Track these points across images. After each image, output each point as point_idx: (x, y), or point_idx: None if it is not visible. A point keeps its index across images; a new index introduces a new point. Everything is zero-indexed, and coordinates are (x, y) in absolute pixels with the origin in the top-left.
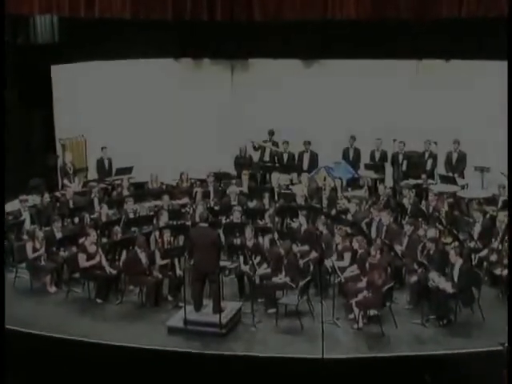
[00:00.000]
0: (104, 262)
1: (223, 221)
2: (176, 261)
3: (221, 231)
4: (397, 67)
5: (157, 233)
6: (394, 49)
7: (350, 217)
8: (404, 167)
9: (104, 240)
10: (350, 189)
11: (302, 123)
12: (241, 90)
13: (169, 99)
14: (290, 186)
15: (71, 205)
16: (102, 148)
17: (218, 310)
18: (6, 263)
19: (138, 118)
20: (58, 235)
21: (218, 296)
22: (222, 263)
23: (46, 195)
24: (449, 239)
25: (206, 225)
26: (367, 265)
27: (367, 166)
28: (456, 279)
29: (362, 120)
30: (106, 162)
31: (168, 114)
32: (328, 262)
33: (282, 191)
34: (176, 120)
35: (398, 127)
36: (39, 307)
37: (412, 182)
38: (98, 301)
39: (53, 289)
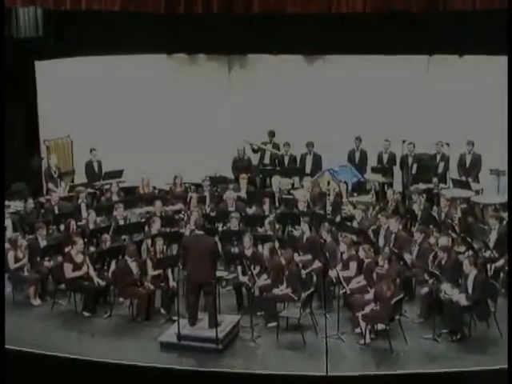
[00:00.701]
0: (92, 273)
1: (220, 228)
2: (169, 271)
3: (217, 239)
4: (406, 63)
5: (148, 241)
6: (403, 44)
7: (355, 224)
8: (414, 170)
9: (92, 249)
10: (355, 194)
11: (304, 123)
12: (239, 87)
13: (161, 97)
14: (292, 191)
15: (56, 211)
16: (91, 150)
17: (214, 323)
18: None
19: (129, 117)
20: (43, 243)
21: (215, 309)
22: (218, 273)
23: (30, 201)
24: (462, 248)
25: (201, 232)
26: (374, 275)
27: (374, 170)
28: (470, 291)
29: (368, 120)
30: (96, 165)
31: (160, 113)
32: (332, 273)
33: (283, 196)
34: (169, 120)
35: (408, 127)
36: (22, 321)
37: (422, 186)
38: (86, 314)
39: (37, 301)
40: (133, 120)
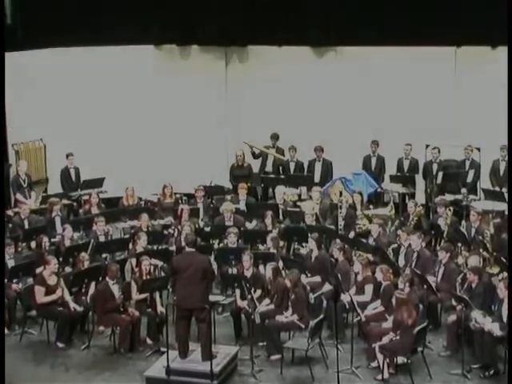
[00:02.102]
0: (67, 297)
1: (215, 245)
2: (157, 295)
3: (212, 258)
4: (430, 55)
5: (133, 260)
6: (426, 33)
7: (372, 241)
8: (439, 179)
9: (67, 269)
10: (372, 206)
11: (313, 125)
12: (238, 83)
13: (148, 95)
14: (298, 203)
15: (26, 225)
16: (68, 155)
17: (208, 356)
18: None
19: (111, 118)
20: (10, 263)
21: (209, 339)
22: (213, 298)
23: None
24: (495, 269)
25: (192, 250)
26: (394, 300)
27: (393, 178)
28: (505, 319)
29: (386, 121)
30: (73, 173)
31: (147, 113)
32: (345, 297)
33: (288, 209)
34: (157, 121)
35: (432, 130)
36: None
37: (449, 197)
38: (60, 345)
39: None
40: (116, 121)
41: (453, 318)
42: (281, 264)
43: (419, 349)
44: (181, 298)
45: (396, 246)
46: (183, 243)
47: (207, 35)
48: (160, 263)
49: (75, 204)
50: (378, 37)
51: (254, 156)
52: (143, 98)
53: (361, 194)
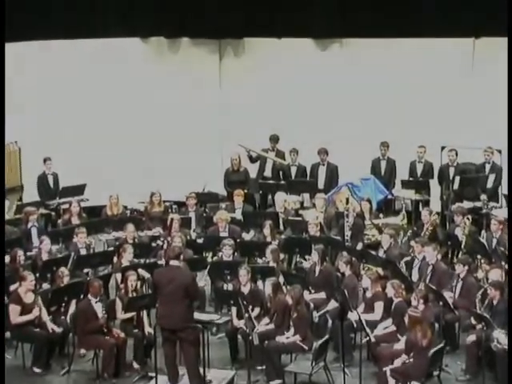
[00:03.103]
0: (45, 317)
1: (209, 259)
2: (144, 314)
3: (206, 272)
4: (445, 48)
5: (118, 275)
6: (441, 23)
7: (382, 253)
8: (456, 185)
9: (45, 286)
10: (382, 214)
11: (316, 125)
12: (233, 79)
13: (134, 93)
14: (301, 211)
15: None
16: (45, 160)
17: (197, 381)
18: None
19: (94, 117)
20: None
21: (194, 361)
22: (207, 317)
23: None
24: None
25: (177, 264)
26: (406, 319)
27: (406, 184)
28: None
29: (397, 121)
30: (51, 179)
31: (134, 112)
32: (352, 315)
33: (290, 218)
34: (144, 121)
35: (448, 130)
36: None
37: (467, 204)
38: (36, 370)
39: None
40: (98, 121)
41: (472, 338)
42: (281, 279)
43: (435, 373)
44: (161, 316)
45: (409, 258)
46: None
47: (199, 26)
48: (148, 275)
49: (53, 213)
50: (388, 27)
51: (252, 160)
52: (128, 97)
53: (369, 201)
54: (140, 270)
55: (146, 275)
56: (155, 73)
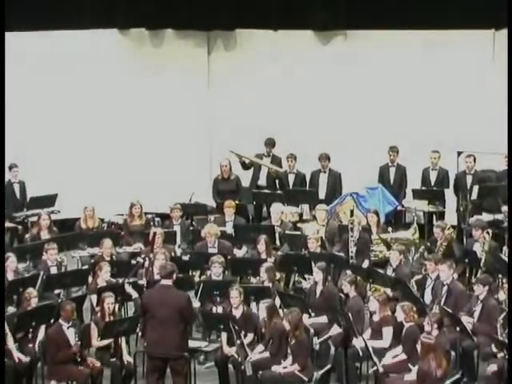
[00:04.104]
0: (10, 345)
1: (196, 278)
2: (123, 341)
3: (193, 294)
4: (462, 41)
5: (93, 297)
6: (457, 14)
7: (391, 272)
8: (475, 195)
9: (10, 309)
10: (390, 228)
11: (316, 128)
12: (223, 76)
13: (112, 91)
14: (299, 225)
15: None
16: (11, 167)
17: None
18: None
19: (66, 118)
20: None
21: None
22: (194, 344)
23: None
24: None
25: (169, 283)
26: (419, 346)
27: (417, 193)
28: None
29: (408, 122)
30: (17, 188)
31: (111, 113)
32: (358, 342)
33: (287, 232)
34: (123, 123)
35: (465, 133)
36: None
37: (487, 217)
38: None
39: None
40: (71, 122)
41: (493, 368)
42: (278, 301)
43: None
44: (152, 343)
45: (421, 278)
46: (156, 275)
47: (185, 16)
48: (136, 294)
49: (20, 227)
50: (397, 18)
51: (244, 166)
52: (104, 96)
53: (377, 213)
54: (127, 287)
55: (134, 294)
56: (135, 69)
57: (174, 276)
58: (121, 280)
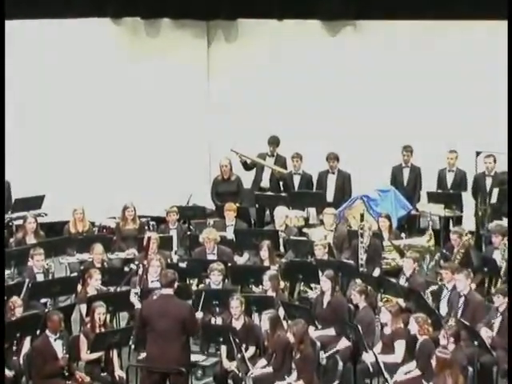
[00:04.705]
0: None
1: (194, 287)
2: (114, 354)
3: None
4: (481, 32)
5: (83, 307)
6: (476, 2)
7: (404, 281)
8: (494, 198)
9: None
10: (403, 234)
11: (324, 125)
12: (223, 69)
13: (104, 84)
14: (305, 229)
15: None
16: None
17: None
18: None
19: (55, 112)
20: None
21: None
22: (192, 357)
23: None
24: None
25: (170, 293)
26: (434, 361)
27: (433, 197)
28: None
29: (422, 120)
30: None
31: (103, 107)
32: (368, 357)
33: (292, 237)
34: (115, 118)
35: (484, 131)
36: None
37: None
38: None
39: None
40: (59, 117)
41: None
42: (281, 312)
43: None
44: (152, 357)
45: (436, 288)
46: (150, 283)
47: (182, 5)
48: (139, 305)
49: (4, 231)
50: (411, 7)
51: (246, 167)
52: (97, 89)
53: (389, 217)
54: (132, 297)
55: (138, 305)
56: (129, 61)
57: (176, 285)
58: (112, 288)
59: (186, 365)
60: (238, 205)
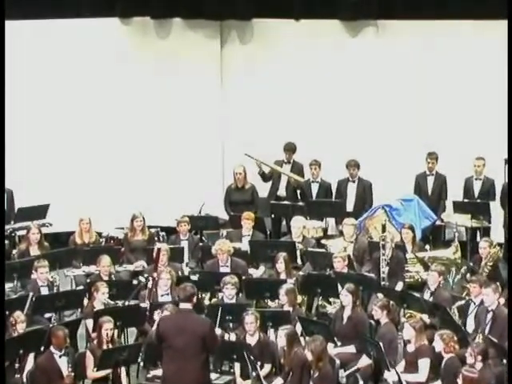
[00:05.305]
0: None
1: (206, 301)
2: (123, 372)
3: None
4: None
5: (89, 322)
6: (495, 3)
7: (428, 295)
8: None
9: None
10: (428, 246)
11: (343, 130)
12: (237, 72)
13: (112, 86)
14: (324, 241)
15: None
16: None
17: None
18: None
19: (59, 117)
20: None
21: None
22: None
23: None
24: None
25: (188, 307)
26: (460, 381)
27: (459, 206)
28: None
29: (448, 125)
30: (4, 198)
31: (110, 111)
32: (390, 375)
33: (310, 249)
34: (124, 123)
35: None
36: None
37: None
38: None
39: None
40: (65, 121)
41: None
42: (299, 328)
43: None
44: (168, 376)
45: (463, 303)
46: (160, 297)
47: (195, 4)
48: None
49: (7, 242)
50: (436, 6)
51: (264, 177)
52: (105, 92)
53: (412, 228)
54: (156, 315)
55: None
56: (138, 64)
57: (194, 300)
58: (120, 302)
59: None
60: (253, 215)
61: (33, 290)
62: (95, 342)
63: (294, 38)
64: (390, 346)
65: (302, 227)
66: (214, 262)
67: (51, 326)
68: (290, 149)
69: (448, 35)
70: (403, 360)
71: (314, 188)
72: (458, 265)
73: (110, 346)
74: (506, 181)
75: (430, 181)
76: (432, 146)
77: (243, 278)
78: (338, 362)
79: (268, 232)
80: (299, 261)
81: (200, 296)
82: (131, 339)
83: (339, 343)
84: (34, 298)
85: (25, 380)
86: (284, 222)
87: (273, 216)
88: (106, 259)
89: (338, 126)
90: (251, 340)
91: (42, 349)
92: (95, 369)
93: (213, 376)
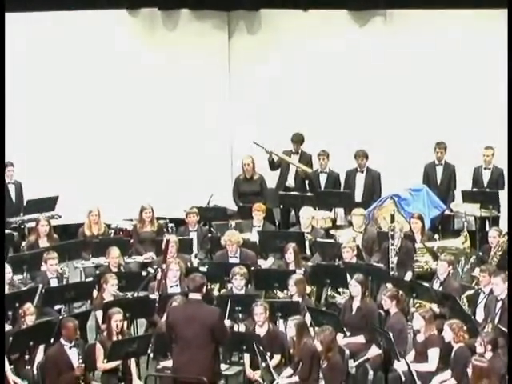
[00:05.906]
0: (6, 367)
1: (215, 292)
2: (132, 363)
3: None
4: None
5: (99, 313)
6: None
7: (437, 285)
8: None
9: (5, 328)
10: (437, 236)
11: (351, 120)
12: (245, 62)
13: (120, 78)
14: (333, 231)
15: None
16: (6, 165)
17: None
18: None
19: (67, 110)
20: None
21: None
22: None
23: None
24: None
25: (198, 297)
26: (470, 370)
27: (468, 196)
28: None
29: (457, 114)
30: (12, 190)
31: (118, 103)
32: (399, 365)
33: (319, 239)
34: (131, 115)
35: None
36: None
37: None
38: None
39: None
40: (74, 114)
41: None
42: (308, 318)
43: None
44: (178, 366)
45: (472, 292)
46: (170, 288)
47: None
48: None
49: (16, 234)
50: None
51: (273, 166)
52: (113, 84)
53: (421, 218)
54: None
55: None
56: (145, 55)
57: (204, 290)
58: (130, 294)
59: (216, 374)
60: (262, 206)
61: (42, 281)
62: (105, 333)
63: (301, 28)
64: (400, 335)
65: (310, 218)
66: (223, 252)
67: (61, 317)
68: (298, 140)
69: (456, 24)
70: (413, 350)
71: (323, 178)
72: (467, 254)
73: (120, 337)
74: None
75: (439, 170)
76: (441, 135)
77: (252, 268)
78: (347, 352)
79: (277, 223)
80: (308, 251)
81: (209, 287)
82: (141, 330)
83: (348, 333)
84: (43, 290)
85: (35, 372)
86: (293, 213)
87: (281, 206)
88: (115, 251)
89: (346, 116)
90: (260, 331)
91: (52, 340)
92: (105, 360)
93: (222, 367)
